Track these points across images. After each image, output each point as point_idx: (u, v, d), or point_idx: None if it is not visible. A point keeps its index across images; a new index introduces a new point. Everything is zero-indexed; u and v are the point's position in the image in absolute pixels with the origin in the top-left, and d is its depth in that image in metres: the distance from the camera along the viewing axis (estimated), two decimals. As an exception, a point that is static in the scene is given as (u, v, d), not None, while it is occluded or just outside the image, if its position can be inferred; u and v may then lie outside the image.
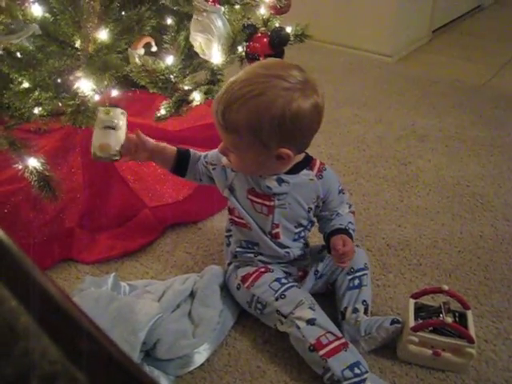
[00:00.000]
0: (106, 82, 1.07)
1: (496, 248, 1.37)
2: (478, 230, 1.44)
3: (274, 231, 1.07)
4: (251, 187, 1.04)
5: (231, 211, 1.11)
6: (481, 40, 3.01)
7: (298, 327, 0.98)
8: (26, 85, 1.04)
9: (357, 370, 0.94)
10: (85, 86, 1.07)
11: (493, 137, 1.93)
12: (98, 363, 0.23)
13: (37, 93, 1.03)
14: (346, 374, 0.93)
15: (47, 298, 0.24)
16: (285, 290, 1.05)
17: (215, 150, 1.08)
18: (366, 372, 0.94)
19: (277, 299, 1.04)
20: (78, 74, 1.05)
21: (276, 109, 0.87)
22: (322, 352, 0.95)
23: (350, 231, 1.08)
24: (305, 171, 1.04)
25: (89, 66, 1.05)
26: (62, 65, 1.04)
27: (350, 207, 1.13)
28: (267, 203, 1.04)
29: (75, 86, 1.07)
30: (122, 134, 1.00)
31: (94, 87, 1.07)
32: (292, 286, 1.06)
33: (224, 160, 1.04)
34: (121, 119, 1.00)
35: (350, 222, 1.10)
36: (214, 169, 1.09)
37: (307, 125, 0.92)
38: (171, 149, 1.09)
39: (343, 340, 0.98)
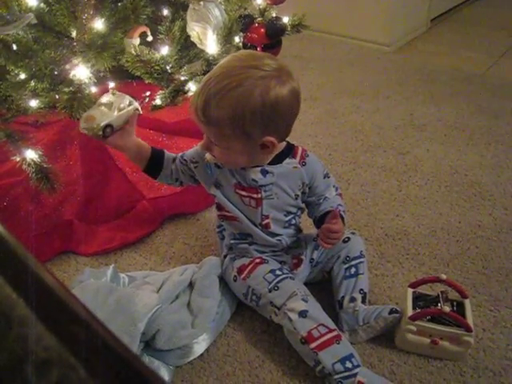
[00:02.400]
0: (104, 64, 1.07)
1: (494, 237, 1.37)
2: (476, 220, 1.44)
3: (264, 222, 1.07)
4: (237, 181, 1.04)
5: (219, 207, 1.11)
6: (480, 28, 3.00)
7: (290, 319, 0.98)
8: (22, 76, 1.04)
9: (348, 364, 0.93)
10: (81, 73, 1.06)
11: (491, 126, 1.92)
12: (93, 350, 0.23)
13: (33, 83, 1.03)
14: (337, 367, 0.93)
15: (42, 286, 0.24)
16: (278, 282, 1.05)
17: (193, 148, 1.09)
18: (358, 366, 0.94)
19: (270, 291, 1.04)
20: (75, 60, 1.05)
21: (255, 99, 0.87)
22: (312, 345, 0.95)
23: (341, 213, 1.09)
24: (288, 160, 1.05)
25: (87, 48, 1.05)
26: (58, 55, 1.03)
27: (336, 190, 1.14)
28: (254, 196, 1.04)
29: (71, 74, 1.06)
30: (114, 116, 0.99)
31: (91, 75, 1.07)
32: (286, 278, 1.06)
33: (208, 156, 1.03)
34: (122, 104, 1.00)
35: (339, 204, 1.11)
36: (196, 167, 1.08)
37: (287, 111, 0.93)
38: (147, 146, 1.09)
39: (336, 332, 0.97)
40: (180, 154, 1.11)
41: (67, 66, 1.08)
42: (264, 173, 1.02)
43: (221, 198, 1.06)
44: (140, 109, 1.05)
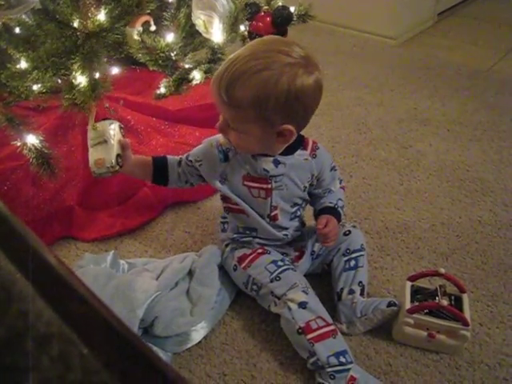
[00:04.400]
0: (100, 67, 1.07)
1: (494, 233, 1.37)
2: (476, 215, 1.44)
3: (272, 213, 1.07)
4: (247, 173, 1.03)
5: (225, 199, 1.10)
6: (487, 24, 2.97)
7: (290, 309, 0.98)
8: (23, 65, 1.04)
9: (342, 359, 0.94)
10: (81, 78, 1.07)
11: (495, 122, 1.92)
12: (93, 326, 0.23)
13: (34, 74, 1.03)
14: (331, 360, 0.93)
15: (43, 263, 0.25)
16: (280, 273, 1.05)
17: (197, 147, 1.09)
18: (351, 362, 0.95)
19: (272, 281, 1.04)
20: (74, 60, 1.05)
21: (281, 85, 0.86)
22: (309, 336, 0.95)
23: (339, 209, 1.09)
24: (299, 151, 1.04)
25: (81, 53, 1.04)
26: (61, 46, 1.03)
27: (340, 182, 1.15)
28: (265, 186, 1.04)
29: (71, 77, 1.06)
30: (114, 145, 0.99)
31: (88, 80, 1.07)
32: (288, 269, 1.06)
33: (221, 138, 1.03)
34: (110, 130, 1.00)
35: (339, 199, 1.11)
36: (200, 165, 1.07)
37: (310, 101, 0.92)
38: (147, 158, 1.12)
39: (333, 327, 0.98)
40: (185, 156, 1.11)
41: (69, 63, 1.07)
42: (276, 163, 1.02)
43: (227, 192, 1.06)
44: (122, 124, 1.05)
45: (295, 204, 1.09)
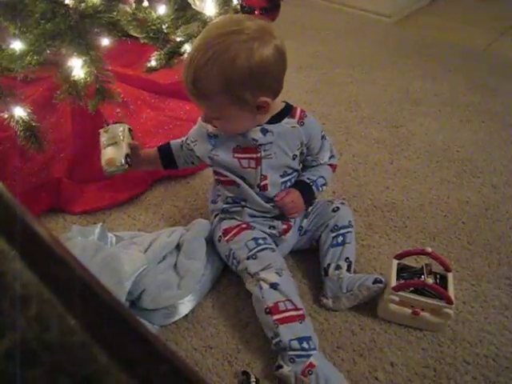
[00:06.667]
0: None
1: (481, 214, 1.39)
2: (464, 196, 1.45)
3: (262, 183, 1.07)
4: (236, 145, 1.05)
5: (216, 172, 1.12)
6: (483, 3, 2.95)
7: (261, 287, 0.99)
8: (18, 46, 1.02)
9: (305, 345, 0.94)
10: (77, 70, 1.08)
11: (486, 104, 1.92)
12: (72, 288, 0.23)
13: (29, 57, 1.02)
14: (293, 344, 0.93)
15: (23, 225, 0.24)
16: (258, 251, 1.05)
17: (192, 129, 1.12)
18: (314, 349, 0.94)
19: (248, 258, 1.05)
20: (66, 50, 1.04)
21: (241, 63, 0.88)
22: (275, 317, 0.95)
23: (314, 187, 1.10)
24: (286, 119, 1.05)
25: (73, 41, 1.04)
26: (55, 29, 1.01)
27: (331, 158, 1.15)
28: (254, 156, 1.05)
29: (66, 67, 1.06)
30: (124, 145, 1.07)
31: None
32: (266, 249, 1.06)
33: (210, 127, 1.06)
34: (120, 133, 1.08)
35: (321, 176, 1.12)
36: (195, 145, 1.10)
37: (275, 68, 0.93)
38: (153, 150, 1.18)
39: (301, 312, 0.98)
40: (184, 139, 1.14)
41: (63, 49, 1.06)
42: (264, 132, 1.03)
43: (217, 167, 1.08)
44: (131, 127, 1.13)
45: (285, 174, 1.09)
